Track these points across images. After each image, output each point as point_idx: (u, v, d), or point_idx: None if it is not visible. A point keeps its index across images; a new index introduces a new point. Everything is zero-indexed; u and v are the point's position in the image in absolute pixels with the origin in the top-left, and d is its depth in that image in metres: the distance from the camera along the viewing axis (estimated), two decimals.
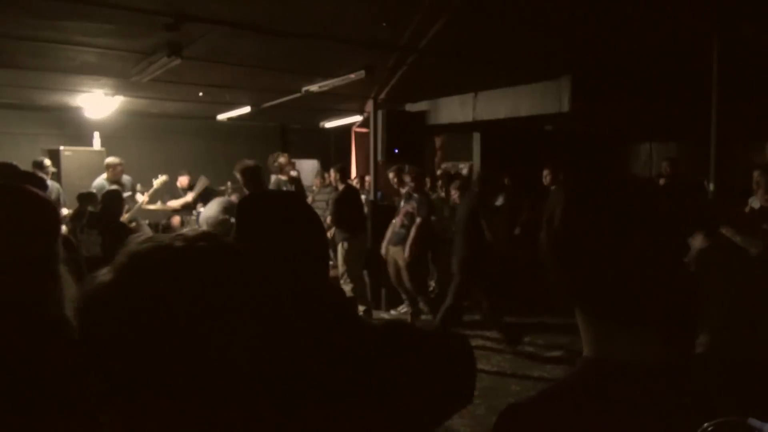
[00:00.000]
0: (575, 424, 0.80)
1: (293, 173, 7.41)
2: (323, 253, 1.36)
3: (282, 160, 7.34)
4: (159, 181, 8.03)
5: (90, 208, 5.43)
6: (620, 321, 0.83)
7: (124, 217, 6.93)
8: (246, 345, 0.76)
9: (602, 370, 0.84)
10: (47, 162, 7.24)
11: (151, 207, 8.10)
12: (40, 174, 6.15)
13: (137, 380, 0.72)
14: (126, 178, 7.28)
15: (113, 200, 5.33)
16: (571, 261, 0.86)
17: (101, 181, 7.21)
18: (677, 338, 0.83)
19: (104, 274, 0.75)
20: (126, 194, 6.78)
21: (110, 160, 7.24)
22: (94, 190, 6.73)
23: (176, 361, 0.72)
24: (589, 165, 8.87)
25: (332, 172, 8.64)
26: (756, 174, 4.74)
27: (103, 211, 5.18)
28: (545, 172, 7.17)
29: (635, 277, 0.82)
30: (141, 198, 7.88)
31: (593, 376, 0.85)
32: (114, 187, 6.59)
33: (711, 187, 4.51)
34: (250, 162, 5.23)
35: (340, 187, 7.14)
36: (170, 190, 8.56)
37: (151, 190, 7.74)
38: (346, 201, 6.85)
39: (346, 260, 6.73)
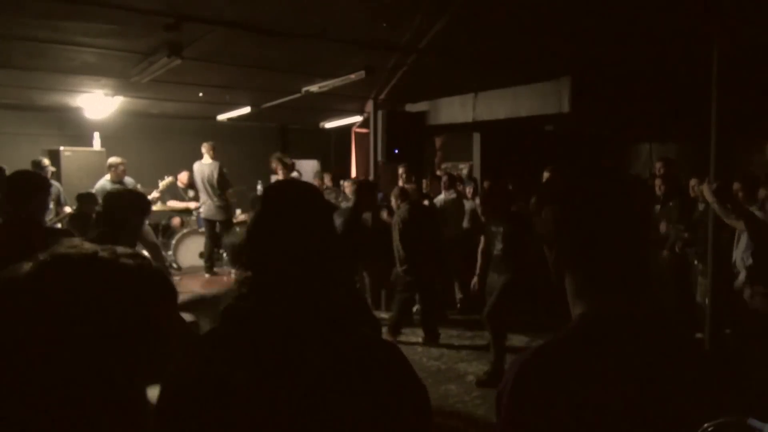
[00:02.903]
0: (579, 365, 1.03)
1: (294, 174, 7.43)
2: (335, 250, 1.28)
3: (273, 164, 7.32)
4: (164, 183, 8.05)
5: (97, 208, 5.40)
6: (604, 285, 1.09)
7: None
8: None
9: (594, 322, 1.09)
10: (46, 161, 7.23)
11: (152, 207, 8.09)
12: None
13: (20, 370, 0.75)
14: (128, 180, 7.28)
15: (116, 200, 5.26)
16: (576, 236, 1.12)
17: (103, 182, 7.21)
18: (644, 299, 1.09)
19: (25, 265, 0.80)
20: None
21: (113, 160, 7.24)
22: (94, 191, 6.73)
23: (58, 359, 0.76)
24: (589, 165, 8.86)
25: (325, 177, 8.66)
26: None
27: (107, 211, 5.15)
28: (545, 174, 7.16)
29: (620, 253, 1.09)
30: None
31: (592, 327, 1.09)
32: (117, 187, 6.58)
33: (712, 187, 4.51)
34: None
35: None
36: (170, 189, 8.56)
37: (156, 192, 7.76)
38: None
39: None
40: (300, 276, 1.16)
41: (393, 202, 6.38)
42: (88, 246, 0.84)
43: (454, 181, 7.70)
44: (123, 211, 2.87)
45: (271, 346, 1.10)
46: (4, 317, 0.76)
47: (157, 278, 0.87)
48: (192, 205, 8.65)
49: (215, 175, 7.94)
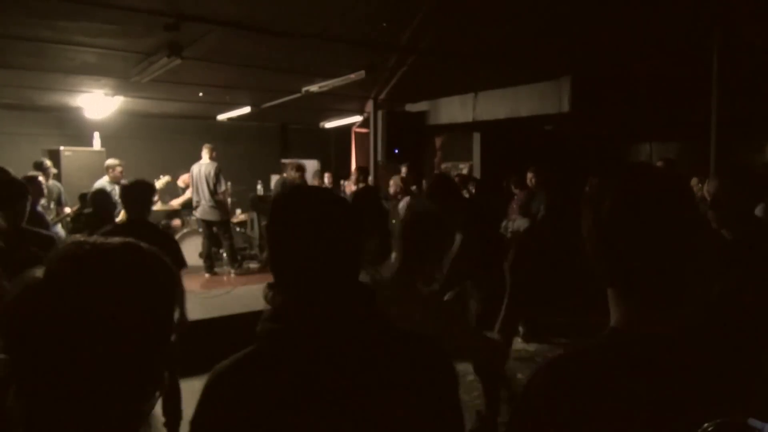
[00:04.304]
0: (600, 380, 0.96)
1: (293, 173, 7.47)
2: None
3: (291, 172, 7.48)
4: (162, 181, 8.04)
5: (86, 210, 5.42)
6: (644, 298, 0.98)
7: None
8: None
9: (625, 340, 0.99)
10: (48, 163, 7.23)
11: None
12: (40, 175, 6.14)
13: (48, 367, 0.77)
14: (125, 182, 7.27)
15: (103, 199, 5.34)
16: (614, 247, 0.99)
17: (102, 182, 7.20)
18: (683, 318, 0.99)
19: (37, 273, 0.80)
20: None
21: (110, 161, 7.23)
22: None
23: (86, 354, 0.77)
24: (589, 165, 8.86)
25: (352, 174, 8.67)
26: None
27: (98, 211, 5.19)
28: (529, 175, 6.98)
29: (665, 265, 0.97)
30: None
31: (618, 343, 1.01)
32: (103, 187, 6.55)
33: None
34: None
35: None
36: (170, 190, 8.56)
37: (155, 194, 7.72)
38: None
39: None
40: (330, 285, 1.12)
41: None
42: (93, 240, 0.85)
43: (466, 183, 7.60)
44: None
45: (318, 366, 1.08)
46: (40, 323, 0.77)
47: (158, 259, 0.89)
48: (188, 194, 8.59)
49: (212, 174, 7.94)
